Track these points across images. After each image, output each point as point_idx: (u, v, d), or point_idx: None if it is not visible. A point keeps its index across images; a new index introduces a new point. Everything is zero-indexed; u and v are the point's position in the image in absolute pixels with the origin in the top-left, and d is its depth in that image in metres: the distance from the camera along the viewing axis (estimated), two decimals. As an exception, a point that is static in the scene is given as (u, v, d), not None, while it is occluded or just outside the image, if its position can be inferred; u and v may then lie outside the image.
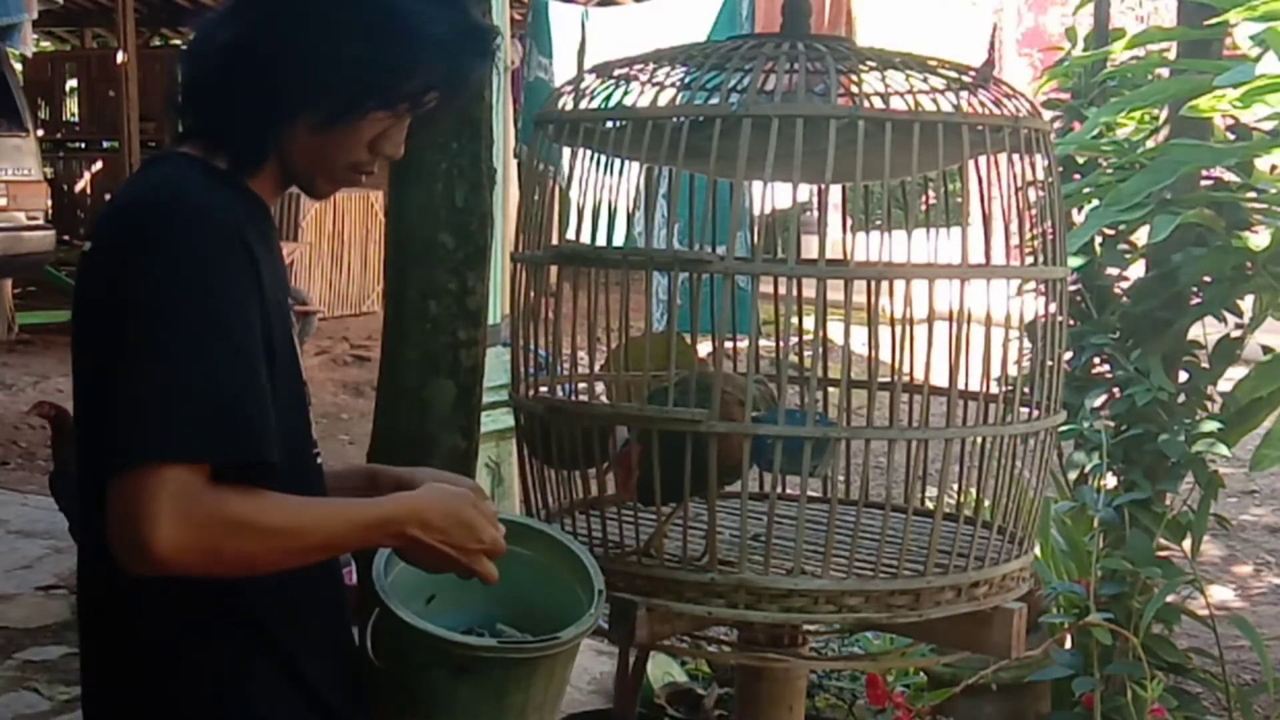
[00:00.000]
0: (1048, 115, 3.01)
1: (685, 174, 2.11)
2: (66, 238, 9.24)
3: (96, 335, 1.34)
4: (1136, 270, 3.26)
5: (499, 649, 1.57)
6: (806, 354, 2.36)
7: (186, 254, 1.30)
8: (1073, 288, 3.14)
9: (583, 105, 2.02)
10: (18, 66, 10.35)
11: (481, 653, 1.56)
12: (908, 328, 2.11)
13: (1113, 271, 3.24)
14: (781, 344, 2.22)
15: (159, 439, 1.26)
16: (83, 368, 1.40)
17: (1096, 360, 3.17)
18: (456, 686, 1.57)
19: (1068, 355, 3.07)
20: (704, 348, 2.35)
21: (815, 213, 1.92)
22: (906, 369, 2.14)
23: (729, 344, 2.42)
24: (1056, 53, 3.65)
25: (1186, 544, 3.04)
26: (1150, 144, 3.23)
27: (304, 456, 1.48)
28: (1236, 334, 3.12)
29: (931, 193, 2.37)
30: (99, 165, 12.74)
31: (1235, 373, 3.09)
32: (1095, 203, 3.08)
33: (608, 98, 2.04)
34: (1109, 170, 3.19)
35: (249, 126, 1.41)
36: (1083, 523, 3.24)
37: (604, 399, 2.39)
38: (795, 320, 2.20)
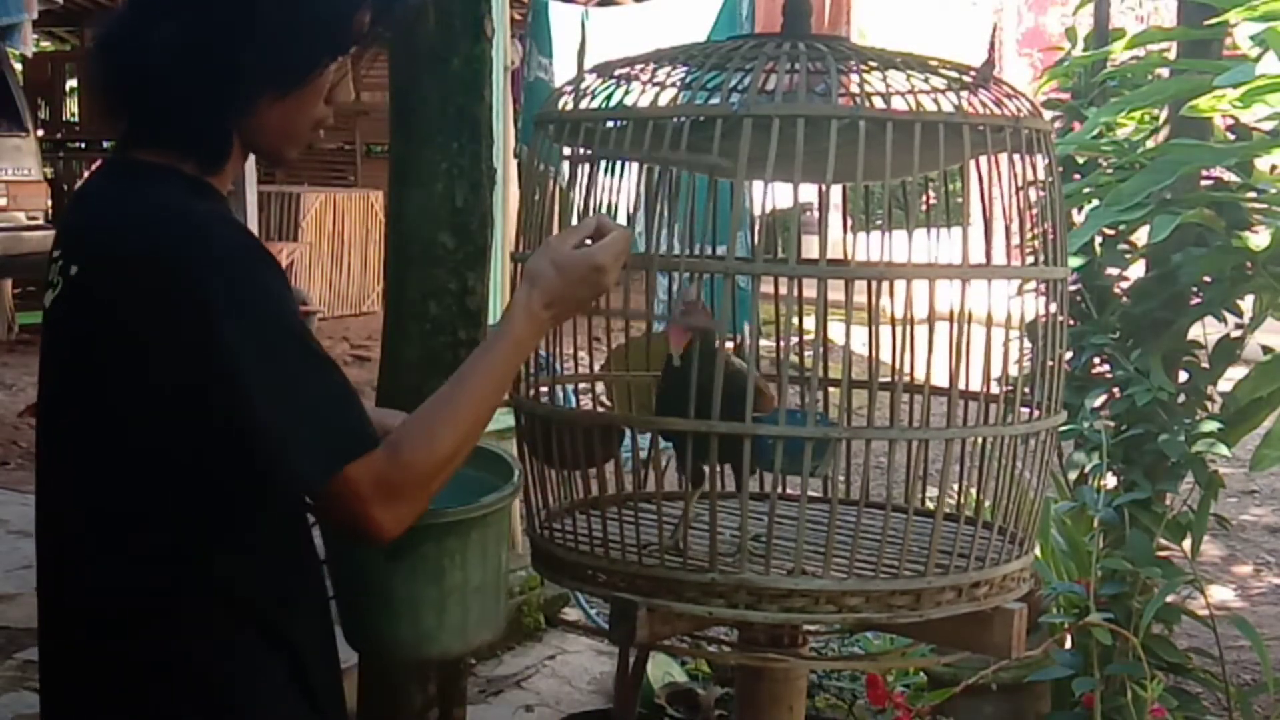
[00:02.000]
0: (1048, 115, 3.01)
1: (685, 174, 2.10)
2: (66, 238, 9.21)
3: (152, 371, 1.38)
4: (1136, 270, 3.26)
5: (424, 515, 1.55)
6: (807, 354, 2.36)
7: (259, 287, 1.35)
8: (1073, 288, 3.14)
9: (583, 105, 2.02)
10: (18, 66, 10.34)
11: None
12: (908, 328, 2.11)
13: (1113, 271, 3.24)
14: (782, 344, 2.22)
15: (332, 450, 1.34)
16: (86, 387, 1.44)
17: (1096, 360, 3.17)
18: (391, 575, 1.59)
19: (1068, 355, 3.07)
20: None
21: (815, 213, 1.91)
22: (907, 369, 2.14)
23: (729, 344, 2.42)
24: (1056, 53, 3.65)
25: (1186, 544, 3.04)
26: (1150, 144, 3.23)
27: None
28: (1236, 334, 3.12)
29: (932, 193, 2.37)
30: (99, 165, 12.73)
31: (1235, 373, 3.09)
32: (1095, 203, 3.08)
33: (608, 98, 2.03)
34: (1109, 170, 3.19)
35: (215, 128, 1.42)
36: (1083, 523, 3.24)
37: (605, 400, 2.39)
38: (796, 320, 2.20)
